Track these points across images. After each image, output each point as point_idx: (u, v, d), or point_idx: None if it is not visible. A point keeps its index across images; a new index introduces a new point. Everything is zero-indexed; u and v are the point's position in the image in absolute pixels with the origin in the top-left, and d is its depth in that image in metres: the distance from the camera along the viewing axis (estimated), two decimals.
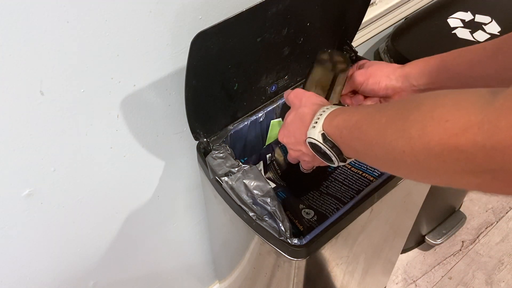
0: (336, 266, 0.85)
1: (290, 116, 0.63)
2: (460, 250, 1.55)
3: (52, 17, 0.55)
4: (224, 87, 0.75)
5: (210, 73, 0.68)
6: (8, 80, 0.56)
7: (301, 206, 0.82)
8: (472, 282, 1.46)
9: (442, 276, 1.48)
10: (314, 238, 0.68)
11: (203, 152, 0.79)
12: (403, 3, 1.22)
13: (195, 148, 0.80)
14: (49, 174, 0.70)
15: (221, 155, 0.76)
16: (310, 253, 0.69)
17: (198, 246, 1.19)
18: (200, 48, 0.61)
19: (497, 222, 1.62)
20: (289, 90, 0.69)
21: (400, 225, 1.05)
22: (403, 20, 1.25)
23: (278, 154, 0.91)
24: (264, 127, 0.90)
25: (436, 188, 1.13)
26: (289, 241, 0.67)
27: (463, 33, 1.13)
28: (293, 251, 0.68)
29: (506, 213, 1.65)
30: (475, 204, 1.67)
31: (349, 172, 0.87)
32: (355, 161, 0.87)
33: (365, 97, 0.73)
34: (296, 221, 0.79)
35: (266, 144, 0.93)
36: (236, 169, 0.73)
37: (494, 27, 1.13)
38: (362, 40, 1.17)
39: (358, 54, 0.93)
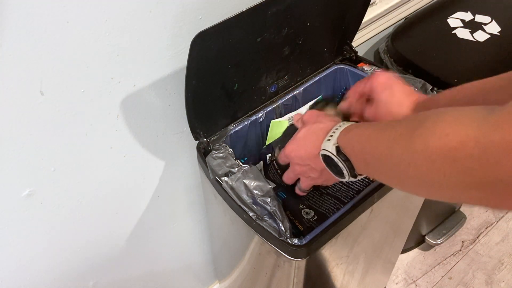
0: (336, 266, 0.85)
1: (302, 130, 0.65)
2: (460, 250, 1.55)
3: (52, 17, 0.55)
4: (224, 87, 0.75)
5: (210, 73, 0.68)
6: (8, 80, 0.56)
7: (301, 206, 0.82)
8: (472, 282, 1.46)
9: (442, 276, 1.48)
10: (314, 238, 0.68)
11: (203, 152, 0.79)
12: (403, 3, 1.22)
13: (195, 148, 0.80)
14: (49, 174, 0.70)
15: (221, 155, 0.76)
16: (310, 253, 0.69)
17: (198, 246, 1.19)
18: (200, 48, 0.61)
19: (497, 222, 1.62)
20: (299, 114, 0.72)
21: (400, 225, 1.05)
22: (403, 20, 1.25)
23: (278, 154, 0.91)
24: (264, 127, 0.90)
25: None
26: (289, 241, 0.67)
27: (463, 33, 1.13)
28: (293, 251, 0.68)
29: (506, 213, 1.65)
30: None
31: None
32: None
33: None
34: (296, 221, 0.79)
35: (266, 144, 0.93)
36: (236, 169, 0.73)
37: (494, 27, 1.13)
38: (362, 40, 1.17)
39: (358, 54, 0.93)
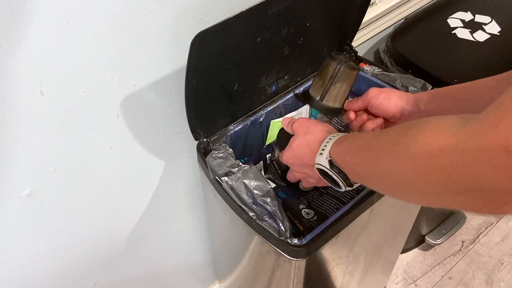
0: (336, 266, 0.85)
1: (296, 141, 0.65)
2: (460, 250, 1.55)
3: (52, 17, 0.55)
4: (224, 87, 0.75)
5: (210, 73, 0.68)
6: (8, 80, 0.56)
7: (301, 206, 0.82)
8: (472, 282, 1.46)
9: (442, 276, 1.48)
10: (314, 238, 0.68)
11: (203, 152, 0.79)
12: (403, 3, 1.22)
13: (195, 148, 0.80)
14: (49, 174, 0.70)
15: (221, 155, 0.76)
16: (310, 253, 0.69)
17: (198, 246, 1.19)
18: (200, 48, 0.61)
19: (497, 222, 1.62)
20: (288, 118, 0.72)
21: (400, 225, 1.05)
22: (403, 20, 1.25)
23: (278, 154, 0.91)
24: (264, 127, 0.90)
25: None
26: (289, 241, 0.67)
27: (463, 33, 1.13)
28: (293, 251, 0.68)
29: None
30: None
31: None
32: None
33: (369, 116, 0.75)
34: (296, 221, 0.79)
35: (266, 144, 0.93)
36: (236, 169, 0.73)
37: (494, 27, 1.13)
38: (362, 40, 1.17)
39: (358, 54, 0.93)
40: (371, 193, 0.73)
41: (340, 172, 0.57)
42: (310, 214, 0.80)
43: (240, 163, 0.75)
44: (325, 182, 0.63)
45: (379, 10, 1.15)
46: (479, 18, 1.16)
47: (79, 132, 0.70)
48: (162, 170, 0.90)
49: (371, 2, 1.12)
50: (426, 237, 1.48)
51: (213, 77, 0.70)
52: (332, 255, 0.80)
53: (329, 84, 0.73)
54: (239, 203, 0.71)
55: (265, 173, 0.91)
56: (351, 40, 0.93)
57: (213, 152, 0.77)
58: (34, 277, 0.83)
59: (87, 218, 0.83)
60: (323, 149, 0.59)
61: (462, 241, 1.57)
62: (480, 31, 1.13)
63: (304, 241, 0.67)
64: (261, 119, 0.88)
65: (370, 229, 0.84)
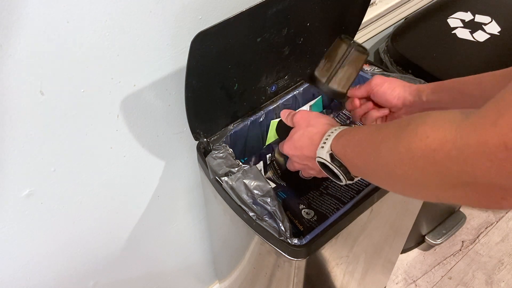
0: (336, 266, 0.85)
1: (297, 133, 0.65)
2: (460, 250, 1.55)
3: (52, 17, 0.55)
4: (224, 87, 0.75)
5: (210, 73, 0.68)
6: (8, 80, 0.56)
7: (301, 206, 0.82)
8: (472, 282, 1.46)
9: (442, 276, 1.48)
10: (314, 238, 0.68)
11: (203, 152, 0.79)
12: (403, 3, 1.22)
13: (195, 148, 0.80)
14: (49, 174, 0.70)
15: (221, 155, 0.76)
16: (310, 253, 0.69)
17: (198, 246, 1.19)
18: (200, 48, 0.61)
19: (497, 222, 1.62)
20: (287, 110, 0.72)
21: (400, 225, 1.05)
22: (403, 20, 1.25)
23: (278, 154, 0.91)
24: (264, 127, 0.90)
25: None
26: (289, 241, 0.67)
27: (463, 33, 1.13)
28: (293, 251, 0.68)
29: (506, 213, 1.65)
30: None
31: None
32: None
33: (374, 106, 0.75)
34: (296, 221, 0.79)
35: (266, 144, 0.93)
36: (236, 169, 0.73)
37: (494, 27, 1.13)
38: (362, 40, 1.17)
39: None
40: (371, 193, 0.73)
41: (341, 166, 0.57)
42: (310, 214, 0.80)
43: (240, 163, 0.75)
44: (325, 174, 0.62)
45: (379, 10, 1.15)
46: (479, 18, 1.16)
47: (79, 132, 0.70)
48: (162, 170, 0.90)
49: (371, 2, 1.12)
50: (426, 237, 1.48)
51: (213, 77, 0.70)
52: (332, 255, 0.80)
53: (338, 66, 0.72)
54: (239, 203, 0.71)
55: (265, 173, 0.91)
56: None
57: (213, 152, 0.77)
58: (34, 277, 0.83)
59: (87, 218, 0.83)
60: (325, 142, 0.59)
61: (462, 241, 1.57)
62: (480, 31, 1.13)
63: (304, 241, 0.67)
64: (261, 119, 0.88)
65: (370, 229, 0.84)
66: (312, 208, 0.81)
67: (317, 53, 0.88)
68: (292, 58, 0.83)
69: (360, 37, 1.15)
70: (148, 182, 0.90)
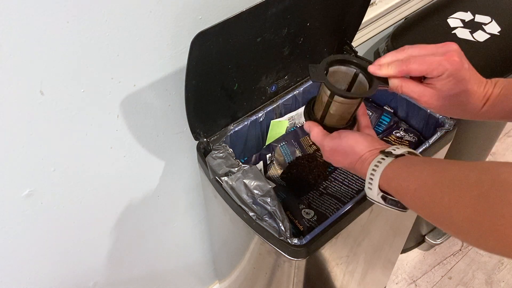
0: (336, 266, 0.85)
1: (336, 158, 0.60)
2: (460, 250, 1.55)
3: (52, 17, 0.55)
4: (224, 87, 0.75)
5: (210, 73, 0.68)
6: (8, 80, 0.56)
7: (301, 206, 0.82)
8: (472, 282, 1.46)
9: (442, 276, 1.48)
10: (314, 238, 0.68)
11: (203, 152, 0.79)
12: (403, 3, 1.22)
13: (195, 148, 0.80)
14: (49, 174, 0.70)
15: (221, 155, 0.76)
16: (310, 253, 0.69)
17: (198, 246, 1.19)
18: (200, 48, 0.61)
19: None
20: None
21: (400, 225, 1.05)
22: (403, 20, 1.25)
23: (278, 154, 0.91)
24: (264, 127, 0.90)
25: None
26: (289, 241, 0.67)
27: (463, 33, 1.13)
28: (293, 251, 0.68)
29: None
30: None
31: (349, 172, 0.87)
32: None
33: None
34: (296, 221, 0.79)
35: (266, 144, 0.93)
36: (236, 169, 0.73)
37: (494, 27, 1.13)
38: (362, 40, 1.17)
39: (358, 54, 0.93)
40: None
41: (397, 203, 0.53)
42: (310, 214, 0.80)
43: (240, 163, 0.75)
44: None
45: (379, 10, 1.15)
46: (479, 18, 1.16)
47: (79, 132, 0.70)
48: (162, 170, 0.90)
49: (371, 2, 1.11)
50: (426, 237, 1.48)
51: (213, 77, 0.70)
52: (332, 255, 0.79)
53: (324, 112, 0.63)
54: (239, 203, 0.71)
55: (265, 173, 0.91)
56: (351, 40, 0.93)
57: (213, 152, 0.77)
58: (34, 277, 0.83)
59: (87, 218, 0.83)
60: (371, 183, 0.53)
61: (462, 241, 1.57)
62: (480, 31, 1.13)
63: (304, 241, 0.67)
64: (261, 119, 0.88)
65: (370, 229, 0.84)
66: (312, 208, 0.81)
67: (317, 53, 0.88)
68: (292, 58, 0.83)
69: (360, 37, 1.15)
70: (148, 182, 0.90)
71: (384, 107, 0.96)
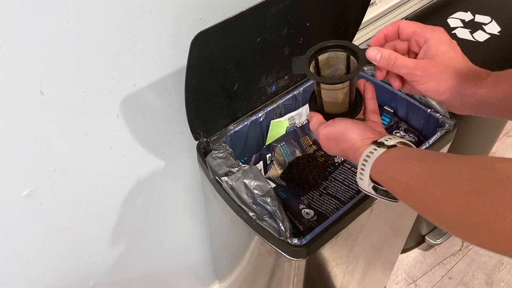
0: (336, 266, 0.85)
1: (330, 145, 0.60)
2: (460, 250, 1.55)
3: (52, 17, 0.55)
4: (224, 87, 0.75)
5: (210, 73, 0.68)
6: (9, 80, 0.56)
7: (301, 206, 0.82)
8: (472, 282, 1.46)
9: (442, 276, 1.48)
10: (314, 238, 0.68)
11: (203, 152, 0.79)
12: (403, 3, 1.22)
13: (195, 148, 0.80)
14: (49, 174, 0.70)
15: (221, 155, 0.76)
16: (310, 253, 0.69)
17: (198, 246, 1.19)
18: (200, 48, 0.61)
19: None
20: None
21: (400, 225, 1.05)
22: (403, 20, 1.25)
23: (278, 154, 0.91)
24: (264, 127, 0.90)
25: None
26: (289, 241, 0.67)
27: (463, 33, 1.13)
28: (293, 251, 0.68)
29: None
30: None
31: (349, 172, 0.87)
32: None
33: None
34: (296, 221, 0.79)
35: (266, 144, 0.93)
36: (236, 169, 0.73)
37: (494, 27, 1.13)
38: (362, 40, 1.17)
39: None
40: None
41: (388, 194, 0.53)
42: (310, 214, 0.80)
43: (240, 163, 0.75)
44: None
45: (379, 10, 1.15)
46: (479, 18, 1.16)
47: (79, 132, 0.70)
48: (162, 170, 0.90)
49: (371, 2, 1.11)
50: (426, 237, 1.48)
51: (213, 77, 0.70)
52: (332, 255, 0.80)
53: (321, 100, 0.63)
54: (239, 203, 0.71)
55: (265, 173, 0.91)
56: (351, 40, 0.93)
57: (213, 152, 0.77)
58: (34, 277, 0.83)
59: (87, 218, 0.83)
60: (362, 174, 0.53)
61: (462, 241, 1.57)
62: (480, 31, 1.13)
63: (304, 241, 0.67)
64: (261, 119, 0.88)
65: (370, 229, 0.84)
66: (312, 208, 0.81)
67: None
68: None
69: (360, 37, 1.15)
70: (148, 182, 0.90)
71: (384, 107, 0.96)
